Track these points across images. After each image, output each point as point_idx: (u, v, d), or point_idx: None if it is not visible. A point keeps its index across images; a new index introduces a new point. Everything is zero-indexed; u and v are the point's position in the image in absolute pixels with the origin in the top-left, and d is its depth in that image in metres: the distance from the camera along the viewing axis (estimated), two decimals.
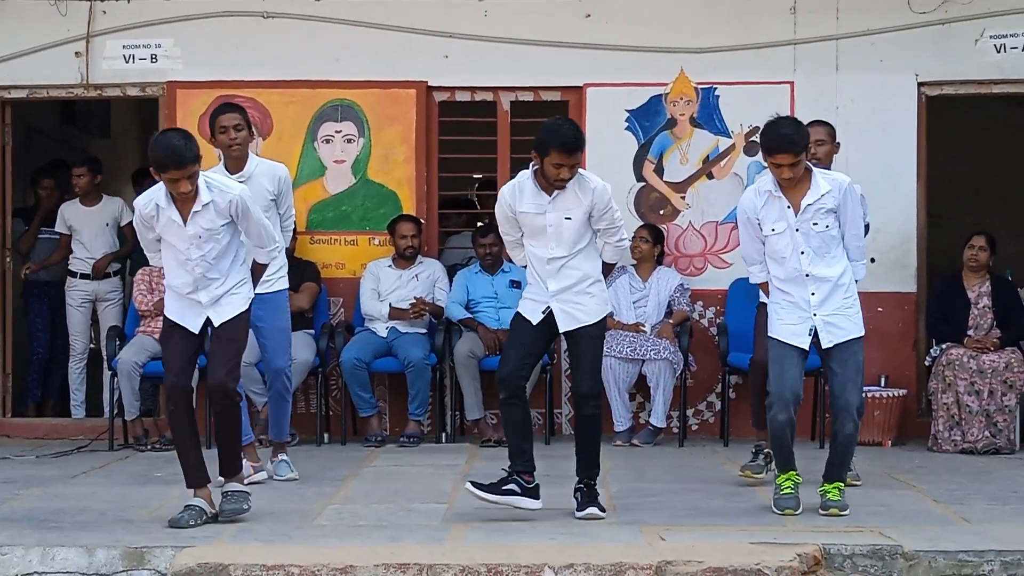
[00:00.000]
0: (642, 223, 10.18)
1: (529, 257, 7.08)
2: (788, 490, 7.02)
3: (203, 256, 6.78)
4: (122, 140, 14.06)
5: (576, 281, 6.99)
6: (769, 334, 7.11)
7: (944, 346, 9.68)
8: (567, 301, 6.98)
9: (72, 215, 10.86)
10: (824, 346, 7.04)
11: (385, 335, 9.98)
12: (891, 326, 10.24)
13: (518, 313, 7.09)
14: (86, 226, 10.84)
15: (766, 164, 7.09)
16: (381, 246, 10.35)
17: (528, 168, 7.08)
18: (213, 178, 6.86)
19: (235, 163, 8.10)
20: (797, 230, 7.00)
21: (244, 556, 6.01)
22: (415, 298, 9.97)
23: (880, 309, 10.19)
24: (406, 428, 9.90)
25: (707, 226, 10.33)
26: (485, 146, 10.58)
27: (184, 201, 6.72)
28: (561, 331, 7.01)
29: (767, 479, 7.69)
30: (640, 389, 10.05)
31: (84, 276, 10.80)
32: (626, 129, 10.35)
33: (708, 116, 10.34)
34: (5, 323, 10.65)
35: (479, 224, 11.15)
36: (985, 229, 10.05)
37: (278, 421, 8.20)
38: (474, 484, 6.91)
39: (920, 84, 10.26)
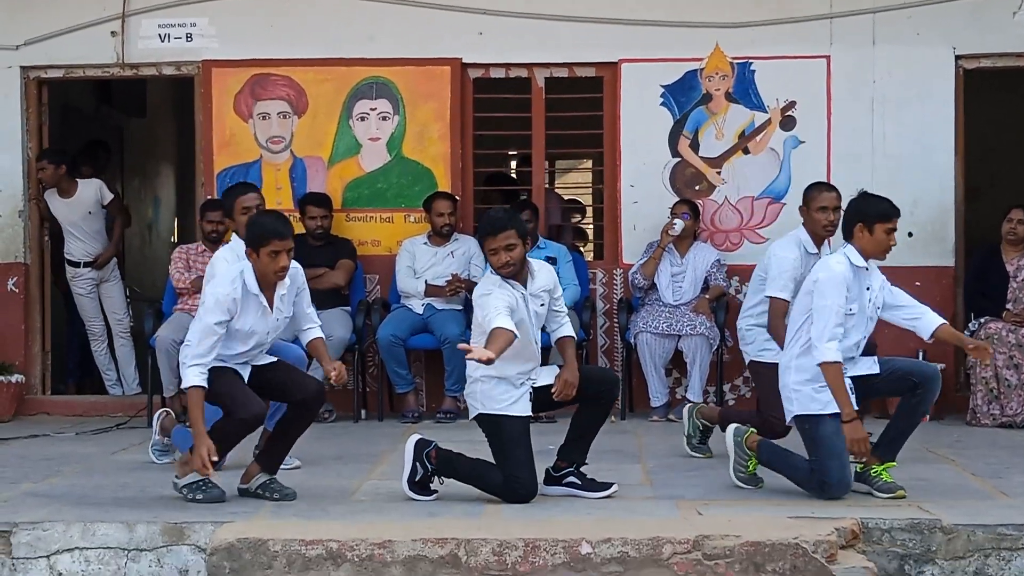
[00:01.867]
0: (679, 199, 10.15)
1: (498, 365, 6.62)
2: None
3: (273, 339, 6.96)
4: (158, 119, 14.13)
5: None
6: (811, 413, 6.78)
7: (983, 320, 9.64)
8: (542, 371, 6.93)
9: (54, 207, 10.71)
10: (877, 372, 6.88)
11: (421, 312, 10.00)
12: (929, 300, 9.99)
13: (511, 418, 6.80)
14: (70, 216, 10.71)
15: (860, 236, 6.88)
16: (417, 223, 10.36)
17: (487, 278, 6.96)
18: None
19: None
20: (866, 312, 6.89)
21: (283, 531, 6.05)
22: (451, 275, 9.98)
23: (918, 283, 10.12)
24: (442, 404, 9.93)
25: (743, 201, 10.29)
26: (520, 123, 10.57)
27: (269, 286, 6.78)
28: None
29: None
30: (677, 365, 10.04)
31: (87, 265, 10.77)
32: (661, 104, 10.31)
33: (744, 91, 10.29)
34: (44, 302, 10.71)
35: (517, 200, 11.13)
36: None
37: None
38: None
39: (957, 57, 10.19)
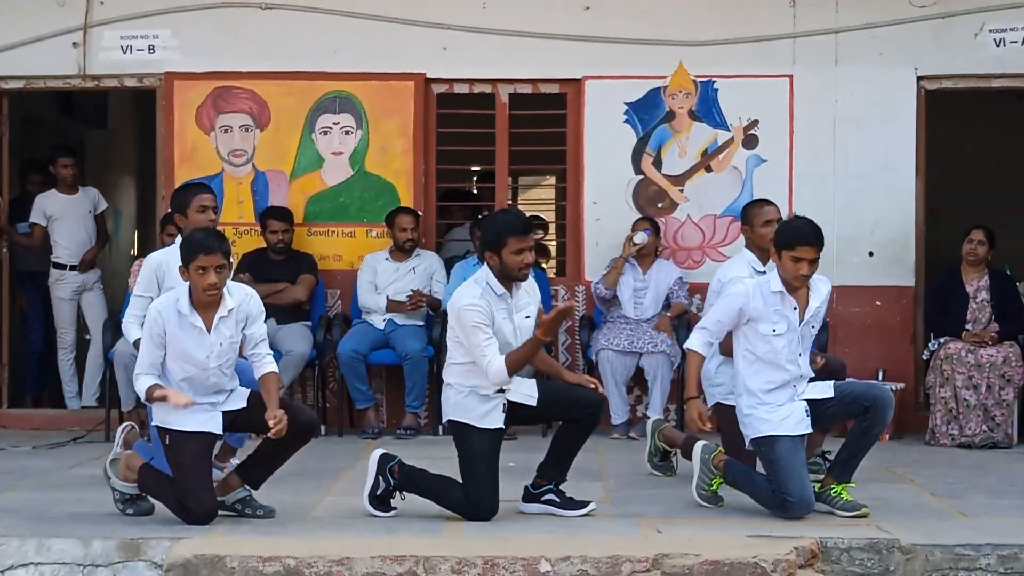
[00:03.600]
0: (640, 216, 10.16)
1: (474, 377, 6.71)
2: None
3: (220, 366, 6.61)
4: (120, 131, 14.05)
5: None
6: (766, 434, 6.81)
7: (942, 340, 9.67)
8: (523, 384, 6.85)
9: (52, 205, 10.79)
10: (830, 396, 6.87)
11: (382, 327, 9.97)
12: (889, 320, 10.24)
13: (480, 431, 6.74)
14: (67, 216, 10.79)
15: (776, 261, 6.88)
16: (379, 238, 10.33)
17: (476, 278, 6.81)
18: (229, 284, 6.66)
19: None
20: (799, 333, 6.87)
21: (240, 548, 6.00)
22: (412, 290, 9.96)
23: (878, 303, 10.20)
24: (403, 420, 9.89)
25: (705, 219, 10.31)
26: (483, 138, 10.57)
27: (207, 306, 6.56)
28: (536, 404, 6.81)
29: None
30: (638, 382, 10.04)
31: (73, 268, 10.76)
32: (625, 122, 10.33)
33: (707, 109, 10.32)
34: (2, 315, 10.62)
35: (478, 216, 11.12)
36: (984, 223, 10.03)
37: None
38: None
39: (920, 78, 10.25)
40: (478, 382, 6.73)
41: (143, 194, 14.26)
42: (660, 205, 10.34)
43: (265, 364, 6.75)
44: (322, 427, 9.90)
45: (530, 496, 6.95)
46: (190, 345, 6.54)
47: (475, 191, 12.57)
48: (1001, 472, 8.33)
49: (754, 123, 10.29)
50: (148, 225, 13.27)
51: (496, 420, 6.77)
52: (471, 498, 6.71)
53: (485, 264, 6.79)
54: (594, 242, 10.33)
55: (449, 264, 10.37)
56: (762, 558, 5.87)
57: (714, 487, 7.07)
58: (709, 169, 10.34)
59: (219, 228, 9.95)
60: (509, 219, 6.79)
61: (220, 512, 6.67)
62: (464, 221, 11.38)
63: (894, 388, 9.67)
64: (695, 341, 6.96)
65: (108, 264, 12.42)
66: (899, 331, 10.26)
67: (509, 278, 6.72)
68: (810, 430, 6.87)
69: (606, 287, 9.91)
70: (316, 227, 10.41)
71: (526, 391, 6.82)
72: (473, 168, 12.64)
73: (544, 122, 10.54)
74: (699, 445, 7.20)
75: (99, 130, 13.69)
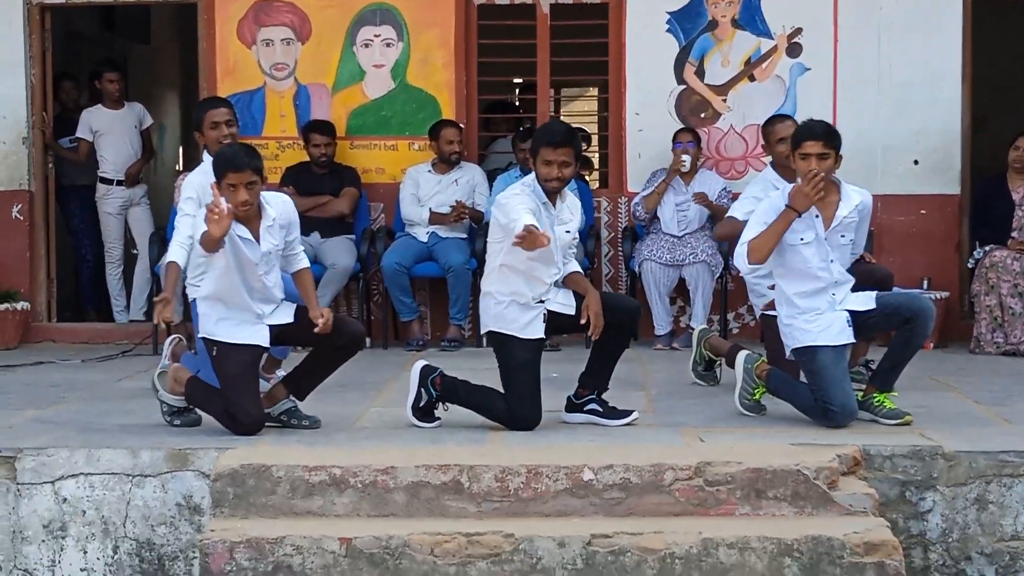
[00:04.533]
0: (681, 127, 10.09)
1: (513, 282, 6.75)
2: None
3: (266, 272, 6.64)
4: (163, 46, 14.06)
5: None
6: (807, 344, 6.79)
7: (987, 248, 9.61)
8: (553, 292, 6.84)
9: (98, 120, 10.87)
10: (872, 307, 6.81)
11: (425, 240, 9.99)
12: (934, 228, 10.18)
13: (522, 341, 6.76)
14: (113, 131, 10.86)
15: (794, 166, 6.84)
16: (421, 151, 10.32)
17: (521, 184, 6.82)
18: (264, 195, 6.69)
19: None
20: (826, 239, 6.81)
21: (286, 457, 6.07)
22: (455, 202, 9.96)
23: (923, 211, 10.14)
24: (447, 333, 9.94)
25: (749, 129, 10.24)
26: (525, 50, 10.51)
27: (249, 219, 6.58)
28: (573, 313, 6.79)
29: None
30: (680, 293, 10.04)
31: (119, 183, 10.84)
32: (667, 31, 10.25)
33: (750, 17, 10.22)
34: (49, 230, 10.71)
35: (520, 128, 11.10)
36: None
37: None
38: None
39: None
40: (518, 288, 6.75)
41: (187, 109, 14.28)
42: (703, 115, 10.28)
43: (299, 261, 6.87)
44: (367, 339, 9.97)
45: (573, 406, 6.99)
46: (240, 254, 6.58)
47: (517, 103, 12.51)
48: None
49: (798, 31, 10.19)
50: (192, 140, 13.32)
51: (537, 330, 6.79)
52: (514, 409, 6.76)
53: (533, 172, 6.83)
54: (636, 153, 10.29)
55: (491, 176, 10.37)
56: (804, 465, 5.88)
57: (757, 396, 7.09)
58: (752, 78, 10.26)
59: (264, 142, 10.17)
60: (544, 130, 6.85)
61: (266, 423, 6.75)
62: (507, 133, 11.34)
63: (938, 297, 9.70)
64: (740, 259, 6.88)
65: (154, 179, 12.51)
66: (944, 239, 10.20)
67: (544, 189, 6.74)
68: (852, 340, 6.85)
69: (645, 210, 9.87)
70: (358, 140, 10.41)
71: (563, 300, 6.84)
72: (515, 80, 12.59)
73: (586, 32, 10.47)
74: (742, 354, 7.21)
75: (142, 45, 13.71)
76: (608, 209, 10.35)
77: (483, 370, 8.55)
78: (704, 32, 10.25)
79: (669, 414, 7.17)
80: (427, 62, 10.36)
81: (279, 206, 6.74)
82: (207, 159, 7.31)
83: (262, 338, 6.70)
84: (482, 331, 7.04)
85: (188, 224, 7.15)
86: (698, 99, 10.28)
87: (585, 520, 5.81)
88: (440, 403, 6.90)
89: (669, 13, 10.22)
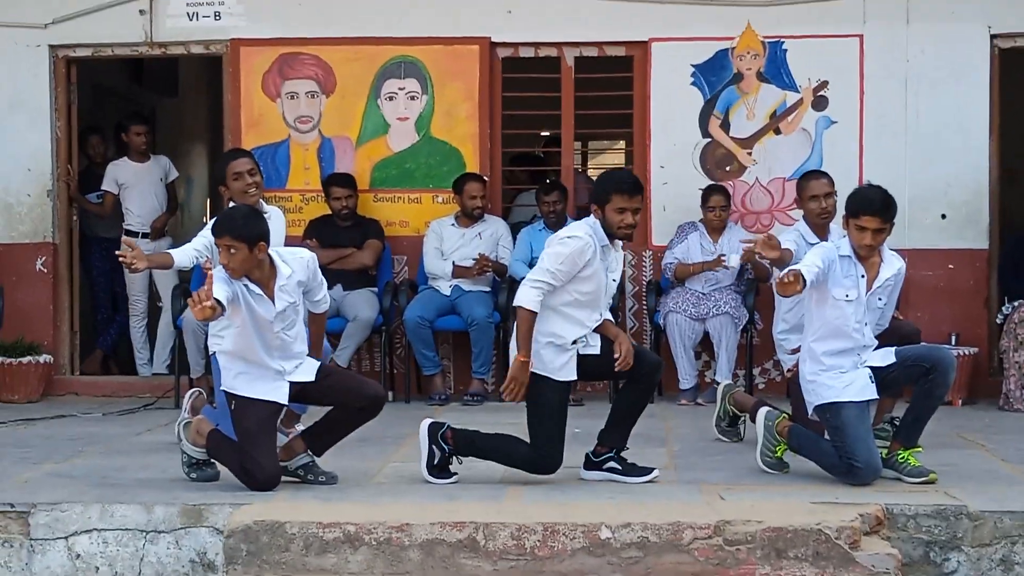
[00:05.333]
0: (710, 183, 10.02)
1: (555, 324, 6.68)
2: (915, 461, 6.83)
3: (284, 328, 6.63)
4: (190, 98, 14.11)
5: None
6: (831, 401, 6.74)
7: (1016, 303, 9.51)
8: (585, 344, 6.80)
9: (123, 173, 10.90)
10: (893, 361, 6.79)
11: (449, 293, 9.95)
12: (962, 283, 10.08)
13: (555, 383, 6.70)
14: (138, 184, 10.89)
15: (845, 228, 6.83)
16: (445, 204, 10.30)
17: (586, 225, 6.78)
18: (280, 251, 6.70)
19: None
20: (865, 302, 6.80)
21: (301, 514, 6.01)
22: (478, 255, 9.92)
23: (951, 266, 10.04)
24: (470, 387, 9.88)
25: (774, 182, 10.18)
26: (549, 102, 10.49)
27: (265, 280, 6.58)
28: (600, 353, 6.78)
29: None
30: (706, 349, 9.95)
31: (144, 236, 10.85)
32: (692, 84, 10.22)
33: (775, 70, 10.18)
34: (73, 282, 10.72)
35: (546, 180, 11.07)
36: None
37: None
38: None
39: (993, 36, 10.05)
40: (555, 330, 6.69)
41: (214, 161, 14.32)
42: (728, 168, 10.23)
43: (319, 306, 6.92)
44: (389, 393, 9.92)
45: (591, 464, 6.91)
46: (255, 312, 6.56)
47: (541, 155, 12.48)
48: None
49: (824, 84, 10.14)
50: (219, 192, 13.36)
51: (570, 373, 6.74)
52: (539, 450, 6.70)
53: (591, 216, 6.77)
54: (661, 206, 10.24)
55: (515, 229, 10.33)
56: (826, 525, 5.79)
57: (779, 453, 7.00)
58: (778, 131, 10.21)
59: (288, 194, 10.16)
60: (617, 177, 6.82)
61: (283, 477, 6.69)
62: (531, 186, 11.31)
63: (966, 352, 9.59)
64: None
65: (179, 232, 12.50)
66: (972, 294, 10.09)
67: (610, 235, 6.72)
68: (875, 396, 6.78)
69: (676, 278, 9.82)
70: (382, 193, 10.40)
71: (590, 341, 6.79)
72: (542, 133, 12.57)
73: (610, 85, 10.45)
74: (763, 411, 7.13)
75: (170, 98, 13.75)
76: (633, 263, 10.29)
77: (507, 424, 8.47)
78: (729, 85, 10.21)
79: (690, 471, 7.08)
80: (451, 115, 10.35)
81: (296, 263, 6.70)
82: None
83: (281, 395, 6.67)
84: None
85: (202, 244, 7.21)
86: (723, 152, 10.23)
87: None
88: (454, 457, 6.82)
89: (694, 66, 10.19)
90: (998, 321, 9.69)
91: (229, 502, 6.21)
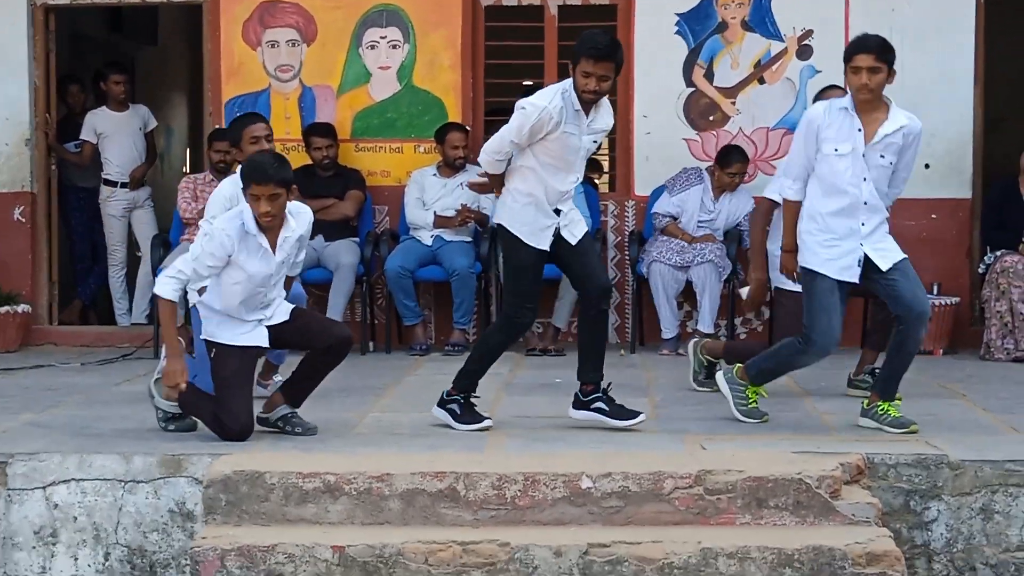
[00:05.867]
0: (730, 145, 9.89)
1: (532, 183, 6.68)
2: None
3: (277, 284, 6.66)
4: (170, 47, 14.00)
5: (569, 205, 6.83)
6: (811, 267, 6.71)
7: (998, 253, 9.49)
8: (568, 219, 6.78)
9: (102, 123, 10.82)
10: (883, 268, 6.68)
11: (430, 243, 9.90)
12: (945, 233, 10.06)
13: (529, 248, 6.70)
14: (117, 133, 10.81)
15: (844, 82, 6.81)
16: (427, 154, 10.24)
17: (556, 89, 6.71)
18: (289, 206, 6.63)
19: None
20: (863, 156, 6.68)
21: (280, 463, 5.98)
22: (460, 206, 9.87)
23: (934, 216, 10.02)
24: (451, 337, 9.84)
25: (757, 132, 10.13)
26: (532, 52, 10.41)
27: (272, 228, 6.54)
28: (573, 243, 6.76)
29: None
30: (687, 298, 9.93)
31: (124, 185, 10.78)
32: (676, 33, 10.15)
33: (760, 19, 10.12)
34: (51, 231, 10.64)
35: None
36: None
37: None
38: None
39: None
40: (538, 193, 6.66)
41: (194, 111, 14.23)
42: (711, 118, 10.18)
43: (295, 268, 6.89)
44: (370, 344, 9.92)
45: (580, 403, 6.87)
46: (254, 264, 6.53)
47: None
48: None
49: (808, 33, 10.08)
50: (199, 141, 13.28)
51: (544, 242, 6.71)
52: (508, 308, 6.79)
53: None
54: (644, 156, 10.20)
55: None
56: (807, 474, 5.78)
57: (752, 400, 6.96)
58: (762, 81, 10.15)
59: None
60: (588, 39, 6.65)
61: (264, 429, 6.68)
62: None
63: (947, 302, 9.59)
64: (788, 191, 6.83)
65: (159, 181, 12.45)
66: (955, 244, 10.08)
67: (579, 99, 6.61)
68: (855, 280, 6.68)
69: (663, 233, 9.78)
70: (364, 143, 10.33)
71: (575, 231, 6.75)
72: (525, 83, 12.48)
73: None
74: (719, 374, 7.13)
75: (149, 47, 13.64)
76: (615, 213, 10.25)
77: (485, 375, 8.46)
78: (713, 34, 10.15)
79: (671, 420, 7.07)
80: (434, 64, 10.27)
81: (301, 219, 6.70)
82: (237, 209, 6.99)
83: (261, 339, 6.66)
84: (493, 221, 6.91)
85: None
86: (707, 102, 10.18)
87: (583, 529, 5.71)
88: (469, 396, 6.84)
89: (678, 15, 10.13)
90: (980, 271, 9.67)
91: (208, 452, 6.18)
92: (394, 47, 10.32)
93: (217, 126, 10.06)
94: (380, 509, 5.82)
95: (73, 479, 6.11)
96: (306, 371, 6.78)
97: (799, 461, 5.95)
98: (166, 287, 6.53)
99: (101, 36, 12.68)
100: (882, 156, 6.71)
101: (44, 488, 6.11)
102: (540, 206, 6.68)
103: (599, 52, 6.54)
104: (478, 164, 10.05)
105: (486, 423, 6.82)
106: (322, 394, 7.68)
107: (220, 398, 6.56)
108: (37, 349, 10.11)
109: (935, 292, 9.74)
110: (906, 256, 6.80)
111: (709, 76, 10.16)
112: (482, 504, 5.79)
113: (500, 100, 11.16)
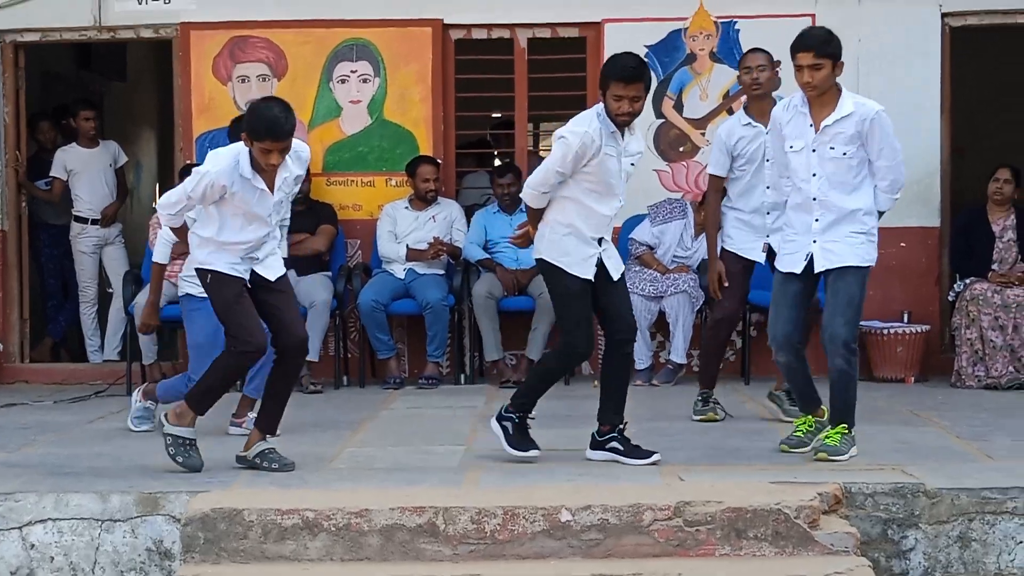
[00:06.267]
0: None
1: (571, 214, 6.66)
2: (799, 432, 6.88)
3: (278, 221, 6.73)
4: (139, 83, 13.99)
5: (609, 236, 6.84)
6: (773, 262, 6.97)
7: (968, 281, 9.56)
8: (610, 251, 6.79)
9: (72, 159, 10.81)
10: (816, 270, 6.69)
11: (403, 277, 9.91)
12: (914, 261, 10.13)
13: (573, 276, 6.68)
14: (87, 169, 10.80)
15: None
16: (399, 187, 10.26)
17: (592, 113, 6.71)
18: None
19: None
20: (813, 151, 6.67)
21: (259, 501, 5.95)
22: (433, 238, 9.89)
23: (903, 244, 10.08)
24: (424, 370, 9.84)
25: None
26: (502, 84, 10.45)
27: (271, 172, 6.53)
28: (615, 278, 6.76)
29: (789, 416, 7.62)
30: (660, 328, 9.96)
31: (95, 222, 10.76)
32: None
33: (728, 50, 10.18)
34: (22, 269, 10.61)
35: (496, 164, 11.03)
36: (1010, 163, 9.90)
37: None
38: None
39: (944, 15, 10.10)
40: (578, 223, 6.66)
41: (164, 146, 14.20)
42: (681, 149, 10.23)
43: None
44: (344, 377, 9.91)
45: (596, 444, 6.87)
46: (252, 204, 6.52)
47: (489, 139, 12.39)
48: None
49: (777, 64, 10.11)
50: (169, 177, 13.25)
51: (588, 271, 6.68)
52: (569, 336, 6.72)
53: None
54: None
55: (468, 212, 10.30)
56: (785, 504, 5.79)
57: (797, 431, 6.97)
58: (731, 111, 10.18)
59: None
60: (617, 63, 6.68)
61: (241, 467, 6.67)
62: (479, 168, 11.28)
63: (918, 330, 9.64)
64: (777, 194, 7.06)
65: (129, 217, 12.41)
66: (924, 272, 10.15)
67: (613, 122, 6.64)
68: (795, 270, 6.72)
69: (640, 263, 9.82)
70: (335, 177, 10.35)
71: (615, 264, 6.76)
72: (494, 115, 12.53)
73: (564, 67, 10.43)
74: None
75: (119, 83, 13.63)
76: None
77: (460, 408, 8.48)
78: (682, 66, 10.22)
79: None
80: (404, 97, 10.30)
81: (300, 158, 6.70)
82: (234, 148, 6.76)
83: (243, 272, 6.62)
84: (533, 256, 6.85)
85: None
86: (676, 133, 10.24)
87: (563, 562, 5.70)
88: (524, 416, 6.79)
89: (647, 47, 10.18)
90: (950, 299, 9.74)
91: (186, 490, 6.14)
92: (364, 81, 10.34)
93: (188, 162, 10.05)
94: (359, 545, 5.79)
95: (50, 519, 6.06)
96: (270, 394, 6.79)
97: (777, 492, 5.96)
98: (159, 250, 7.35)
99: (71, 73, 12.66)
100: (832, 148, 6.67)
101: (20, 528, 6.06)
102: (580, 236, 6.67)
103: (630, 74, 6.59)
104: (451, 198, 10.21)
105: (532, 453, 6.77)
106: (297, 429, 7.71)
107: (227, 323, 6.57)
108: (8, 387, 10.07)
109: (906, 320, 9.81)
110: (855, 265, 6.70)
111: (678, 107, 10.22)
112: (462, 539, 5.78)
113: (471, 133, 11.25)
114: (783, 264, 6.83)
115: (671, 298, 9.67)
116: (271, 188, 6.56)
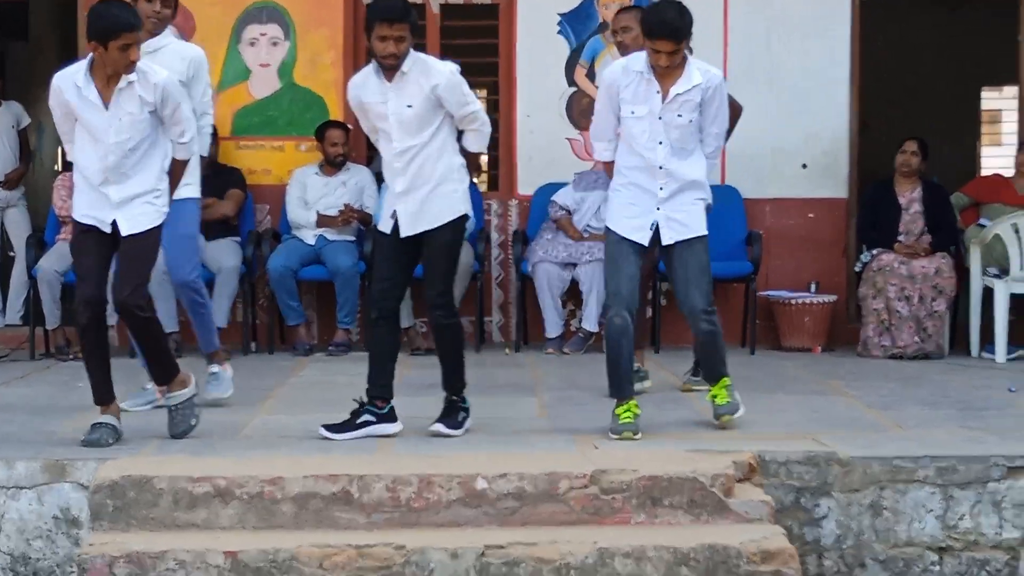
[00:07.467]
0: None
1: (382, 159, 6.65)
2: (627, 419, 6.57)
3: (119, 143, 6.26)
4: (42, 43, 13.72)
5: (425, 181, 6.50)
6: (607, 225, 6.76)
7: (874, 252, 9.65)
8: (414, 202, 6.50)
9: None
10: (664, 242, 6.67)
11: (313, 243, 9.81)
12: (822, 232, 10.21)
13: (381, 232, 6.60)
14: None
15: (644, 45, 6.61)
16: (308, 152, 10.15)
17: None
18: (139, 63, 6.28)
19: (146, 35, 6.96)
20: (660, 118, 6.59)
21: (169, 468, 5.87)
22: (343, 205, 9.80)
23: (811, 215, 10.16)
24: (335, 337, 9.76)
25: None
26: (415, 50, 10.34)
27: (106, 82, 6.22)
28: (402, 235, 6.52)
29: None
30: (572, 296, 9.96)
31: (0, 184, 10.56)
32: (558, 33, 10.18)
33: None
34: None
35: None
36: (917, 135, 10.00)
37: (200, 332, 7.62)
38: (328, 428, 6.57)
39: None
40: (385, 171, 6.60)
41: None
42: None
43: (180, 150, 6.59)
44: (252, 344, 9.80)
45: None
46: (91, 120, 6.26)
47: None
48: (934, 383, 8.33)
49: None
50: None
51: (387, 224, 6.56)
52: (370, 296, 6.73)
53: None
54: (527, 156, 10.21)
55: (380, 178, 10.19)
56: (700, 472, 5.81)
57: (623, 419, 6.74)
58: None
59: None
60: (378, 5, 6.53)
61: (152, 435, 6.56)
62: None
63: (825, 300, 9.73)
64: (600, 154, 6.90)
65: (31, 180, 12.17)
66: (832, 243, 10.23)
67: (381, 66, 6.51)
68: (643, 243, 6.65)
69: (559, 227, 9.78)
70: (244, 141, 10.21)
71: (410, 221, 6.53)
72: None
73: (476, 34, 10.36)
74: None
75: (20, 42, 13.35)
76: (498, 212, 10.25)
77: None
78: (595, 34, 10.19)
79: (562, 420, 7.06)
80: (315, 62, 10.19)
81: (142, 73, 6.26)
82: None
83: (100, 221, 6.39)
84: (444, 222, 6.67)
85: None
86: (589, 101, 10.18)
87: (479, 530, 5.68)
88: (372, 404, 6.63)
89: (560, 15, 10.15)
90: (856, 269, 9.83)
91: (94, 457, 6.05)
92: (274, 44, 10.22)
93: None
94: (272, 513, 5.73)
95: None
96: (140, 350, 6.76)
97: (692, 460, 5.98)
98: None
99: None
100: (679, 115, 6.60)
101: None
102: (390, 188, 6.64)
103: (390, 13, 6.49)
104: (362, 164, 10.11)
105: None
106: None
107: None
108: None
109: (812, 290, 9.89)
110: (701, 235, 6.67)
111: (591, 75, 10.20)
112: (376, 507, 5.74)
113: None
114: (624, 228, 6.66)
115: (585, 266, 9.67)
116: (106, 102, 6.22)
